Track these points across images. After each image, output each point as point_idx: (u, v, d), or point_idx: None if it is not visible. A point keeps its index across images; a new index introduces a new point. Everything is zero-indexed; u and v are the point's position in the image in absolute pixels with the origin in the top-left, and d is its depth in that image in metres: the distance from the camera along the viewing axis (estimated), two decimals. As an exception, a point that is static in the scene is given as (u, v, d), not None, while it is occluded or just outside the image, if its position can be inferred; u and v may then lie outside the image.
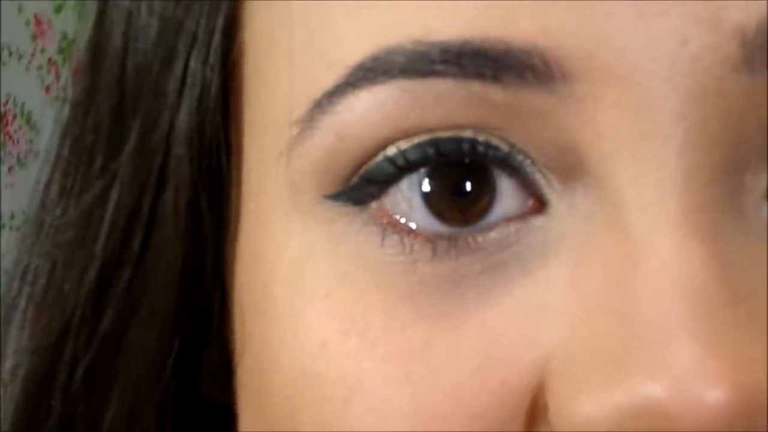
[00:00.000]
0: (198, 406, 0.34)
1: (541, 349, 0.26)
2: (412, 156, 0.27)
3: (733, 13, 0.25)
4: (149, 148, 0.31)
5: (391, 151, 0.27)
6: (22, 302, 0.34)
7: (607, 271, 0.25)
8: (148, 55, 0.31)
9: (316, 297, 0.28)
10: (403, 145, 0.27)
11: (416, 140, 0.26)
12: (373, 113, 0.26)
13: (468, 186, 0.27)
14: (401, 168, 0.27)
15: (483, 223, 0.27)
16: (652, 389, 0.23)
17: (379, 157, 0.27)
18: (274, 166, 0.29)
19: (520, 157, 0.27)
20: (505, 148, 0.26)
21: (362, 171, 0.27)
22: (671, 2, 0.25)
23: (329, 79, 0.27)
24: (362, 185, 0.27)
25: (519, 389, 0.26)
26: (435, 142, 0.26)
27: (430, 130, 0.26)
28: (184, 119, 0.30)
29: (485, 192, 0.27)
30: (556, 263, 0.26)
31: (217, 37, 0.30)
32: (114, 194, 0.31)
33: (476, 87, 0.26)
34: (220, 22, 0.30)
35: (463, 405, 0.26)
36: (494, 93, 0.26)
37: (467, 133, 0.26)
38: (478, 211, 0.27)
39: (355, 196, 0.27)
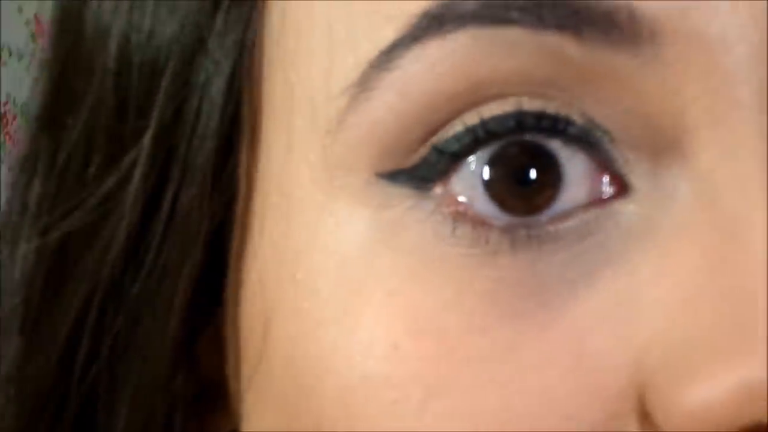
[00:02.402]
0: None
1: (635, 346, 0.24)
2: (493, 125, 0.25)
3: None
4: (169, 144, 0.29)
5: (472, 120, 0.25)
6: (34, 302, 0.33)
7: (702, 254, 0.24)
8: (163, 50, 0.29)
9: (376, 295, 0.26)
10: (486, 114, 0.25)
11: (499, 110, 0.25)
12: (442, 64, 0.25)
13: (532, 173, 0.25)
14: (479, 139, 0.25)
15: (552, 211, 0.25)
16: None
17: (457, 127, 0.25)
18: (309, 149, 0.27)
19: (598, 134, 0.25)
20: (583, 123, 0.25)
21: (433, 143, 0.25)
22: None
23: (388, 34, 0.25)
24: (431, 159, 0.25)
25: (615, 389, 0.24)
26: (519, 114, 0.25)
27: (504, 87, 0.25)
28: (210, 112, 0.29)
29: (550, 179, 0.25)
30: (643, 249, 0.25)
31: (246, 24, 0.28)
32: (129, 193, 0.30)
33: (554, 39, 0.24)
34: (245, 11, 0.28)
35: (555, 406, 0.24)
36: (572, 48, 0.24)
37: (548, 107, 0.25)
38: (543, 199, 0.25)
39: (420, 175, 0.25)
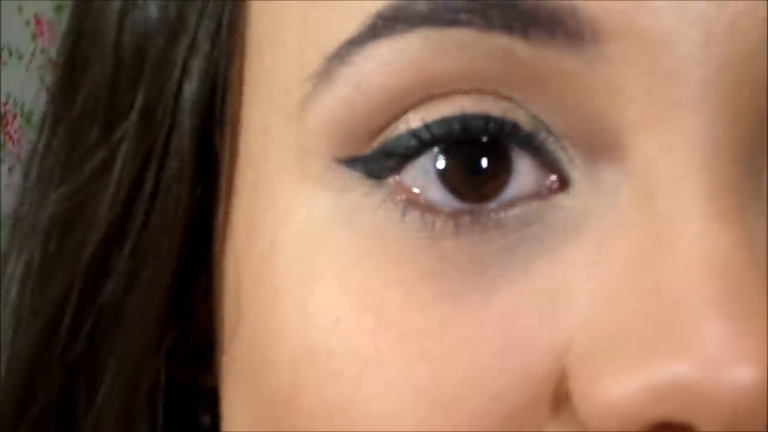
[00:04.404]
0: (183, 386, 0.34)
1: (562, 333, 0.25)
2: (437, 130, 0.26)
3: None
4: (154, 119, 0.30)
5: (416, 123, 0.26)
6: (18, 273, 0.33)
7: (633, 251, 0.25)
8: (151, 26, 0.30)
9: (328, 271, 0.27)
10: (429, 118, 0.26)
11: (443, 114, 0.26)
12: (394, 62, 0.26)
13: (484, 163, 0.26)
14: (424, 142, 0.26)
15: (501, 199, 0.26)
16: (683, 368, 0.23)
17: (402, 129, 0.26)
18: (281, 131, 0.28)
19: (542, 135, 0.26)
20: (528, 127, 0.26)
21: (382, 142, 0.26)
22: None
23: (348, 29, 0.26)
24: (380, 157, 0.26)
25: (540, 373, 0.25)
26: (463, 119, 0.26)
27: (453, 85, 0.26)
28: (190, 90, 0.30)
29: (501, 169, 0.26)
30: (579, 242, 0.26)
31: (228, 7, 0.29)
32: (117, 166, 0.31)
33: (502, 40, 0.25)
34: None
35: (482, 385, 0.25)
36: (520, 48, 0.25)
37: (493, 110, 0.26)
38: (493, 188, 0.26)
39: (372, 168, 0.26)
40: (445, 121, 0.26)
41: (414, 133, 0.26)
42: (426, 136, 0.26)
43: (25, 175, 0.34)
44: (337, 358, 0.26)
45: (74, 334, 0.31)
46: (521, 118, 0.26)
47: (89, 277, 0.31)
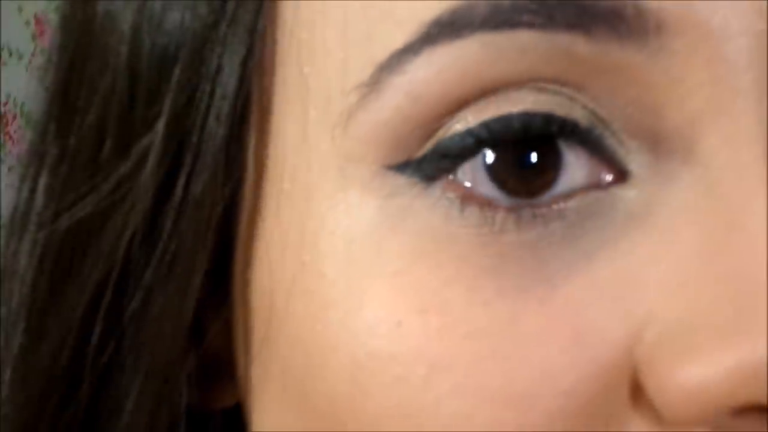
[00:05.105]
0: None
1: (631, 323, 0.25)
2: (496, 127, 0.25)
3: None
4: (183, 131, 0.29)
5: (473, 122, 0.25)
6: (25, 293, 0.32)
7: (702, 236, 0.25)
8: (175, 39, 0.29)
9: (383, 275, 0.26)
10: (487, 115, 0.25)
11: (502, 111, 0.25)
12: (449, 70, 0.25)
13: (533, 157, 0.26)
14: (482, 141, 0.25)
15: (552, 193, 0.26)
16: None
17: (457, 129, 0.26)
18: (322, 140, 0.27)
19: (599, 130, 0.26)
20: (585, 123, 0.26)
21: (435, 143, 0.26)
22: None
23: (399, 38, 0.26)
24: (434, 159, 0.26)
25: (612, 365, 0.25)
26: (526, 117, 0.25)
27: (510, 86, 0.25)
28: (223, 100, 0.29)
29: (551, 163, 0.26)
30: (642, 232, 0.25)
31: (260, 16, 0.28)
32: (142, 178, 0.30)
33: (563, 39, 0.25)
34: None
35: (554, 381, 0.25)
36: (581, 45, 0.25)
37: (553, 107, 0.25)
38: (543, 182, 0.26)
39: (425, 170, 0.26)
40: (506, 119, 0.25)
41: (471, 132, 0.26)
42: (484, 134, 0.26)
43: (31, 191, 0.33)
44: (400, 363, 0.25)
45: (103, 343, 0.31)
46: (578, 113, 0.26)
47: (118, 287, 0.30)
